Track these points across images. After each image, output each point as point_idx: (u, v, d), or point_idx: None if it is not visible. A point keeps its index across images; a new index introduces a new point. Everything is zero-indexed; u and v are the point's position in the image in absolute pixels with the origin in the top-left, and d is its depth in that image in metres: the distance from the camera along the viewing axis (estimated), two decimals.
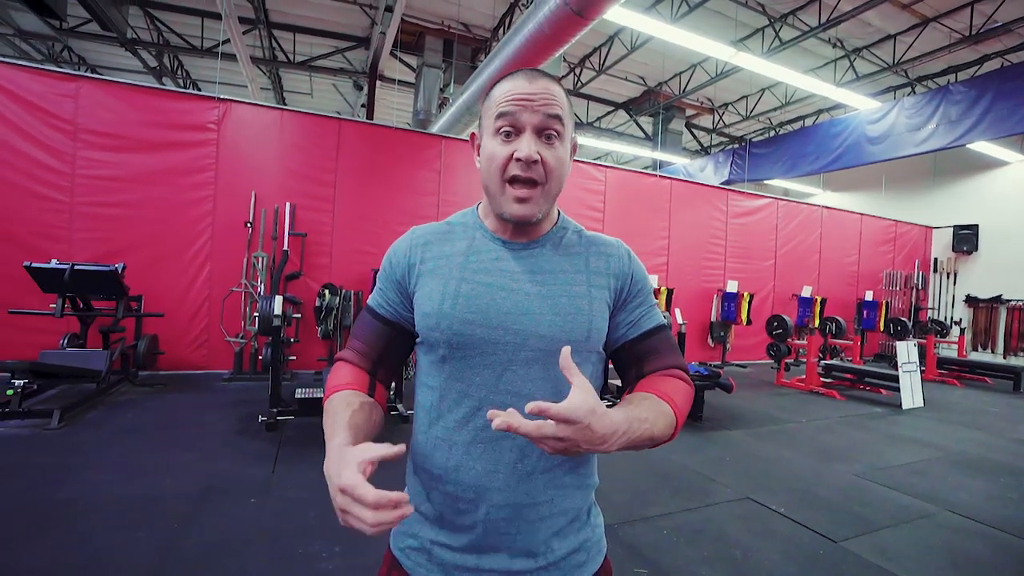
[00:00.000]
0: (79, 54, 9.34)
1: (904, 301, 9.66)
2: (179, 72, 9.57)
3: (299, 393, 3.71)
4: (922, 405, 5.37)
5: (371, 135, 5.78)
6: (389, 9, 6.33)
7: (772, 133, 11.22)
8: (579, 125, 10.57)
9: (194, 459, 2.88)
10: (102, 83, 4.83)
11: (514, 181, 0.71)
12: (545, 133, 0.70)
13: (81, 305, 4.14)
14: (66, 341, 4.20)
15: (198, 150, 5.01)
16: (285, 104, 10.88)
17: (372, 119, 8.31)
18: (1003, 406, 5.69)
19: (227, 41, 6.76)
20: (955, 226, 9.65)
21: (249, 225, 5.14)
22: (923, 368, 6.52)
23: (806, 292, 7.84)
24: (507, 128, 0.70)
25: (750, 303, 7.43)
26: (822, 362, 6.43)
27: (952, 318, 9.50)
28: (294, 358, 5.21)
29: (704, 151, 12.71)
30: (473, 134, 0.78)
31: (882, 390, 5.80)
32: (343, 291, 5.28)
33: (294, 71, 9.08)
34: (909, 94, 8.14)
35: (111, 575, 1.79)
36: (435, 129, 7.34)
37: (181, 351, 4.96)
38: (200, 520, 2.20)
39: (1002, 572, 2.16)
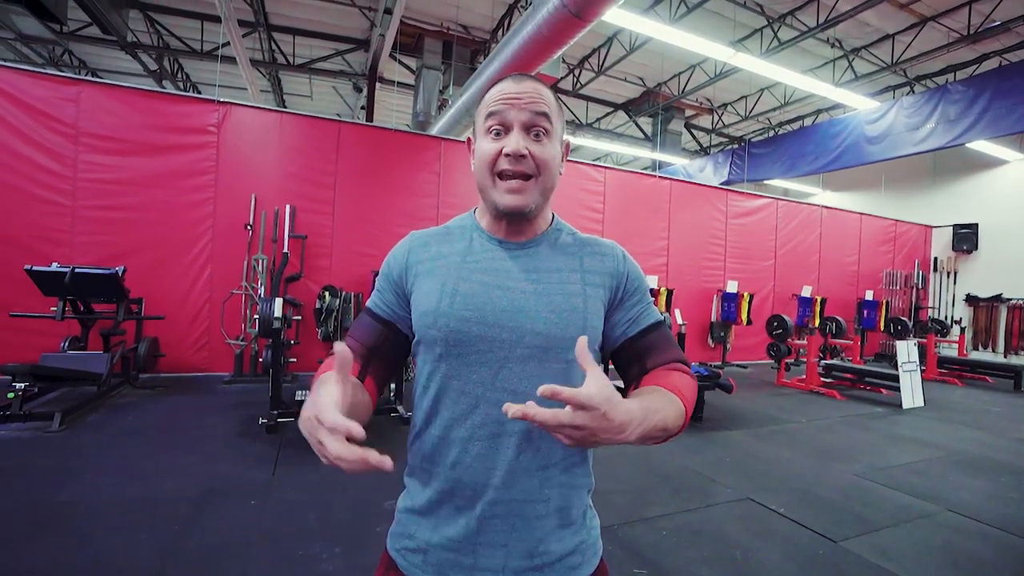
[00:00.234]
0: (80, 57, 9.37)
1: (904, 300, 9.65)
2: (179, 75, 9.59)
3: (300, 395, 3.72)
4: (923, 405, 5.37)
5: (371, 137, 5.80)
6: (388, 11, 6.34)
7: (771, 133, 11.23)
8: (578, 126, 10.59)
9: (195, 461, 2.89)
10: (103, 87, 4.85)
11: (504, 175, 0.73)
12: (533, 130, 0.73)
13: (82, 308, 4.15)
14: (67, 344, 4.21)
15: (198, 153, 5.02)
16: (285, 106, 10.91)
17: (372, 121, 8.33)
18: (1004, 405, 5.68)
19: (227, 44, 6.78)
20: (955, 225, 9.65)
21: (249, 227, 5.15)
22: (923, 367, 6.52)
23: (806, 292, 7.84)
24: (496, 127, 0.73)
25: (750, 303, 7.43)
26: (822, 362, 6.43)
27: (952, 317, 9.50)
28: (295, 360, 5.21)
29: (703, 151, 12.73)
30: (469, 139, 0.80)
31: (883, 390, 5.80)
32: (343, 293, 5.28)
33: (294, 73, 9.10)
34: (908, 94, 8.14)
35: None
36: (434, 131, 7.35)
37: (182, 353, 4.97)
38: (201, 522, 2.20)
39: (1003, 572, 2.16)
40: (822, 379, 6.18)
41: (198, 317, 5.03)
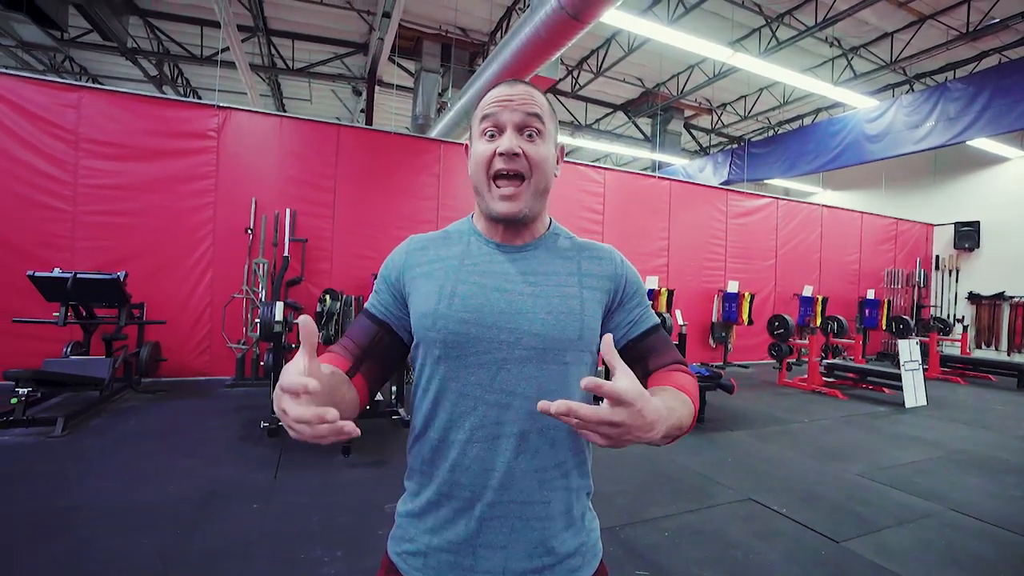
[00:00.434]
0: (80, 64, 9.41)
1: (906, 299, 9.63)
2: (179, 80, 9.63)
3: None
4: (925, 404, 5.35)
5: (370, 140, 5.81)
6: (387, 15, 6.36)
7: (771, 133, 11.23)
8: (577, 127, 10.60)
9: (197, 465, 2.89)
10: (103, 93, 4.87)
11: (499, 176, 0.74)
12: (526, 131, 0.74)
13: (84, 313, 4.17)
14: (69, 349, 4.22)
15: (198, 158, 5.04)
16: (285, 110, 10.94)
17: (371, 124, 8.35)
18: (1007, 404, 5.66)
19: (226, 49, 6.80)
20: (956, 223, 9.63)
21: (250, 232, 5.16)
22: (926, 366, 6.50)
23: (807, 291, 7.83)
24: (491, 129, 0.75)
25: (751, 303, 7.41)
26: (824, 361, 6.41)
27: (955, 315, 9.47)
28: None
29: (703, 151, 12.73)
30: (466, 145, 0.81)
31: (885, 389, 5.78)
32: (344, 296, 5.28)
33: (293, 78, 9.13)
34: (907, 92, 8.14)
35: None
36: (434, 133, 7.37)
37: (183, 358, 4.98)
38: (203, 526, 2.21)
39: (1006, 571, 2.15)
40: (824, 379, 6.17)
41: (199, 321, 5.05)
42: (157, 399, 4.29)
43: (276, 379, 3.50)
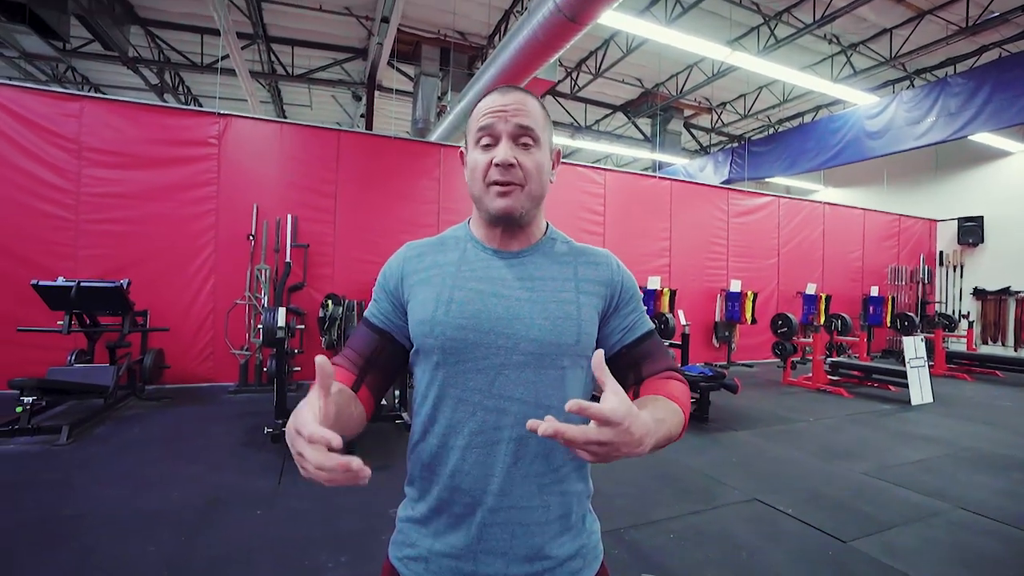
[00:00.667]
0: (82, 74, 9.48)
1: (910, 296, 9.58)
2: (180, 88, 9.69)
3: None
4: (931, 401, 5.32)
5: (370, 145, 5.83)
6: (385, 20, 6.38)
7: (771, 131, 11.21)
8: (577, 128, 10.60)
9: (200, 472, 2.90)
10: (105, 102, 4.91)
11: (495, 184, 0.74)
12: (521, 140, 0.74)
13: (88, 321, 4.18)
14: (73, 357, 4.24)
15: (200, 165, 5.07)
16: (285, 117, 10.99)
17: (371, 129, 8.37)
18: (1015, 400, 5.62)
19: (226, 57, 6.84)
20: (960, 218, 9.58)
21: (251, 238, 5.18)
22: (932, 363, 6.46)
23: (810, 289, 7.80)
24: (486, 139, 0.75)
25: (754, 302, 7.39)
26: (828, 360, 6.38)
27: (960, 311, 9.42)
28: (299, 369, 5.23)
29: (703, 151, 12.71)
30: (462, 152, 0.82)
31: (890, 386, 5.75)
32: (346, 301, 5.30)
33: (293, 84, 9.17)
34: (907, 88, 8.11)
35: None
36: (434, 137, 7.38)
37: (187, 364, 5.00)
38: (207, 532, 2.21)
39: (1016, 570, 2.13)
40: (829, 377, 6.13)
41: (202, 328, 5.06)
42: (161, 406, 4.30)
43: (279, 385, 3.52)
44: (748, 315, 7.37)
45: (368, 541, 2.17)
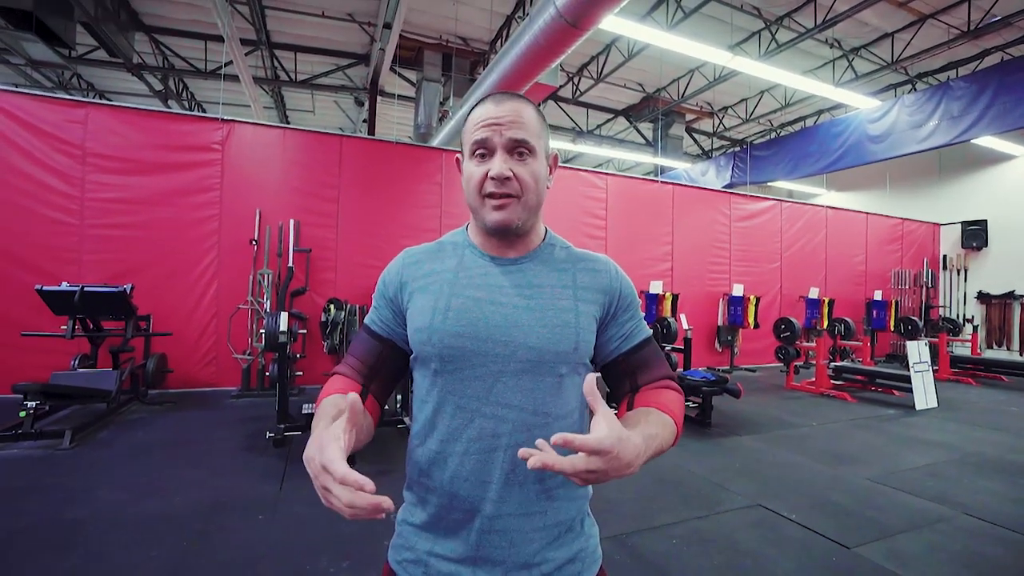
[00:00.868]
0: (88, 80, 9.55)
1: (914, 300, 9.54)
2: (184, 94, 9.75)
3: (306, 408, 3.72)
4: (936, 406, 5.29)
5: (373, 150, 5.85)
6: (388, 26, 6.42)
7: (773, 135, 11.21)
8: (579, 133, 10.62)
9: (203, 476, 2.90)
10: (109, 108, 4.95)
11: (491, 197, 0.74)
12: (516, 151, 0.74)
13: (91, 326, 4.20)
14: (77, 362, 4.25)
15: (203, 170, 5.10)
16: (288, 122, 11.04)
17: (373, 134, 8.41)
18: (1021, 405, 5.58)
19: (230, 63, 6.89)
20: (963, 222, 9.55)
21: (254, 243, 5.20)
22: (936, 368, 6.42)
23: (813, 293, 7.77)
24: (481, 150, 0.75)
25: (757, 306, 7.37)
26: (832, 364, 6.35)
27: (964, 315, 9.37)
28: (301, 373, 5.23)
29: (705, 155, 12.71)
30: (458, 158, 0.82)
31: (894, 391, 5.72)
32: (348, 305, 5.30)
33: (296, 89, 9.21)
34: (910, 91, 8.11)
35: None
36: (436, 142, 7.41)
37: (190, 369, 5.01)
38: (210, 537, 2.20)
39: None
40: (832, 381, 6.10)
41: (205, 333, 5.07)
42: (164, 410, 4.31)
43: (281, 389, 3.52)
44: (751, 319, 7.34)
45: (370, 546, 2.17)
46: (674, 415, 0.74)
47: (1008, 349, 9.02)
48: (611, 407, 0.75)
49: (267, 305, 5.15)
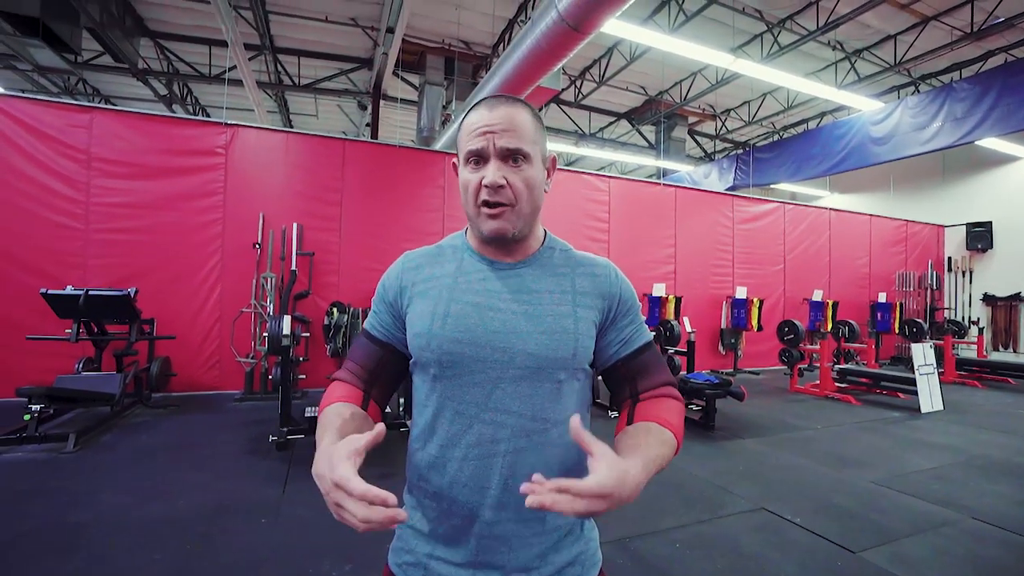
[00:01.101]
0: (93, 86, 9.63)
1: (919, 302, 9.49)
2: (188, 99, 9.81)
3: (309, 412, 3.73)
4: (942, 408, 5.25)
5: (375, 154, 5.87)
6: (391, 30, 6.46)
7: (776, 137, 11.20)
8: (581, 136, 10.64)
9: (206, 480, 2.90)
10: (114, 113, 4.98)
11: (486, 205, 0.74)
12: (511, 157, 0.73)
13: (96, 330, 4.22)
14: (81, 365, 4.27)
15: (207, 175, 5.13)
16: (292, 126, 11.10)
17: (376, 138, 8.44)
18: None
19: (234, 67, 6.93)
20: (968, 224, 9.51)
21: (258, 246, 5.22)
22: (942, 370, 6.38)
23: (817, 296, 7.74)
24: (475, 158, 0.74)
25: (760, 309, 7.35)
26: (836, 367, 6.32)
27: (970, 318, 9.32)
28: (304, 377, 5.24)
29: (708, 157, 12.70)
30: (454, 163, 0.82)
31: (899, 394, 5.68)
32: (351, 309, 5.32)
33: (299, 94, 9.27)
34: (913, 93, 8.09)
35: None
36: (438, 146, 7.43)
37: (193, 372, 5.02)
38: (213, 540, 2.21)
39: None
40: (836, 384, 6.07)
41: (209, 336, 5.09)
42: (167, 414, 4.32)
43: (284, 393, 3.53)
44: (754, 322, 7.32)
45: (373, 549, 2.16)
46: (674, 429, 0.73)
47: (1015, 351, 8.96)
48: (612, 413, 0.76)
49: (270, 309, 5.16)
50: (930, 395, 5.26)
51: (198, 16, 7.05)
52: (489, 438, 0.71)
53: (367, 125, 9.69)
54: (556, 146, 10.64)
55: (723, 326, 7.67)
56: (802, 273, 8.42)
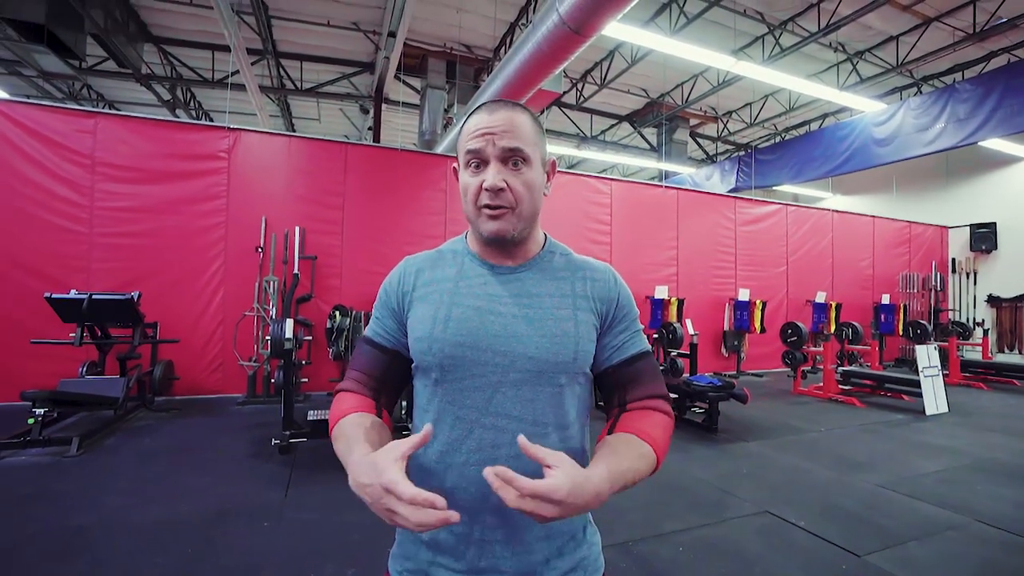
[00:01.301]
0: (97, 91, 9.70)
1: (923, 303, 9.45)
2: (192, 103, 9.87)
3: (311, 415, 3.72)
4: (947, 411, 5.22)
5: (377, 157, 5.89)
6: (392, 34, 6.48)
7: (778, 139, 11.19)
8: (583, 139, 10.65)
9: (209, 483, 2.90)
10: (118, 118, 5.01)
11: (486, 208, 0.74)
12: (511, 160, 0.73)
13: (99, 333, 4.23)
14: (85, 369, 4.29)
15: (210, 179, 5.15)
16: (294, 130, 11.15)
17: (378, 142, 8.46)
18: None
19: (237, 72, 6.97)
20: (972, 225, 9.47)
21: (260, 250, 5.24)
22: (947, 372, 6.33)
23: (820, 298, 7.72)
24: (475, 160, 0.74)
25: (763, 311, 7.33)
26: (840, 369, 6.29)
27: (974, 319, 9.26)
28: (306, 380, 5.25)
29: (710, 159, 12.70)
30: (454, 167, 0.82)
31: (904, 396, 5.65)
32: (353, 312, 5.32)
33: (302, 98, 9.31)
34: (915, 94, 8.07)
35: None
36: (440, 149, 7.44)
37: (196, 376, 5.03)
38: (215, 544, 2.21)
39: None
40: (840, 386, 6.05)
41: (211, 340, 5.10)
42: (170, 417, 4.33)
43: (286, 396, 3.53)
44: (757, 324, 7.30)
45: (375, 553, 2.16)
46: (655, 443, 0.72)
47: (1020, 353, 8.90)
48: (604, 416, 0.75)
49: (273, 312, 5.17)
50: (935, 397, 5.23)
51: (201, 21, 7.10)
52: (490, 443, 0.71)
53: (369, 129, 9.73)
54: (558, 149, 10.66)
55: (726, 328, 7.64)
56: (805, 275, 8.40)
